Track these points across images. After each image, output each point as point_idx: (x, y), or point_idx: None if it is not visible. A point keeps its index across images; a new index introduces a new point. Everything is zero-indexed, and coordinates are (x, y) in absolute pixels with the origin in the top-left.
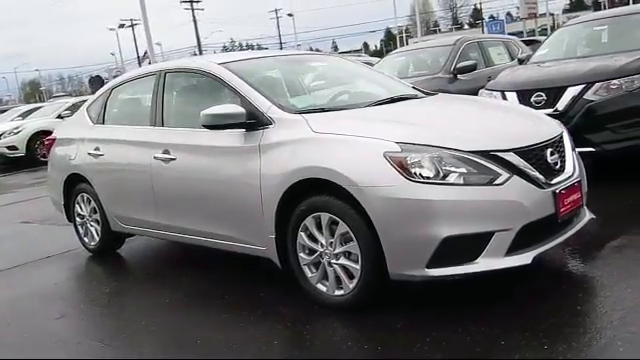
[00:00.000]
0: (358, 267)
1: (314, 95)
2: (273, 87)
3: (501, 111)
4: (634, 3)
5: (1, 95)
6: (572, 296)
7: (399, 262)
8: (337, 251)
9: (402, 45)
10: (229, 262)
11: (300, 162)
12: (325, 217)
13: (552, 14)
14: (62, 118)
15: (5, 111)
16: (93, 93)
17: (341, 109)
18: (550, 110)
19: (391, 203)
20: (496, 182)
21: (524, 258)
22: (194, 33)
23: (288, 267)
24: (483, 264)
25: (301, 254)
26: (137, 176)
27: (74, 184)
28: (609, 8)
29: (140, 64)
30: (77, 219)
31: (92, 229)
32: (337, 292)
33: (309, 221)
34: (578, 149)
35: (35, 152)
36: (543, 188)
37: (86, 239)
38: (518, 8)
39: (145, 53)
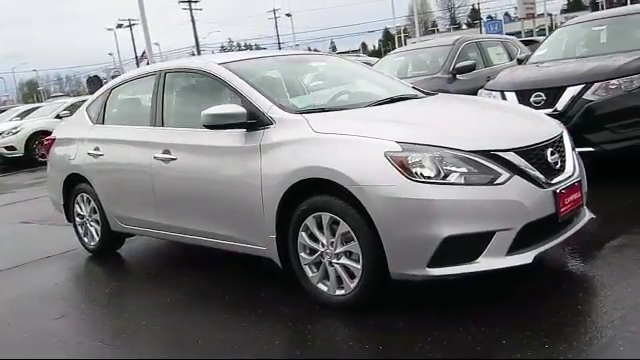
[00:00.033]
0: (359, 267)
1: (314, 95)
2: (273, 87)
3: (501, 111)
4: (632, 3)
5: None
6: (573, 295)
7: (400, 262)
8: (338, 251)
9: (400, 45)
10: (229, 262)
11: (301, 162)
12: (326, 217)
13: (550, 14)
14: (60, 118)
15: (3, 111)
16: (91, 93)
17: (341, 109)
18: (549, 110)
19: (392, 203)
20: (497, 182)
21: (525, 258)
22: (192, 33)
23: (289, 267)
24: (484, 264)
25: (302, 254)
26: (137, 176)
27: (74, 184)
28: (607, 8)
29: (138, 64)
30: (77, 219)
31: (92, 229)
32: (338, 292)
33: (310, 221)
34: (577, 149)
35: (33, 152)
36: (543, 188)
37: (86, 239)
38: (516, 8)
39: (143, 53)
